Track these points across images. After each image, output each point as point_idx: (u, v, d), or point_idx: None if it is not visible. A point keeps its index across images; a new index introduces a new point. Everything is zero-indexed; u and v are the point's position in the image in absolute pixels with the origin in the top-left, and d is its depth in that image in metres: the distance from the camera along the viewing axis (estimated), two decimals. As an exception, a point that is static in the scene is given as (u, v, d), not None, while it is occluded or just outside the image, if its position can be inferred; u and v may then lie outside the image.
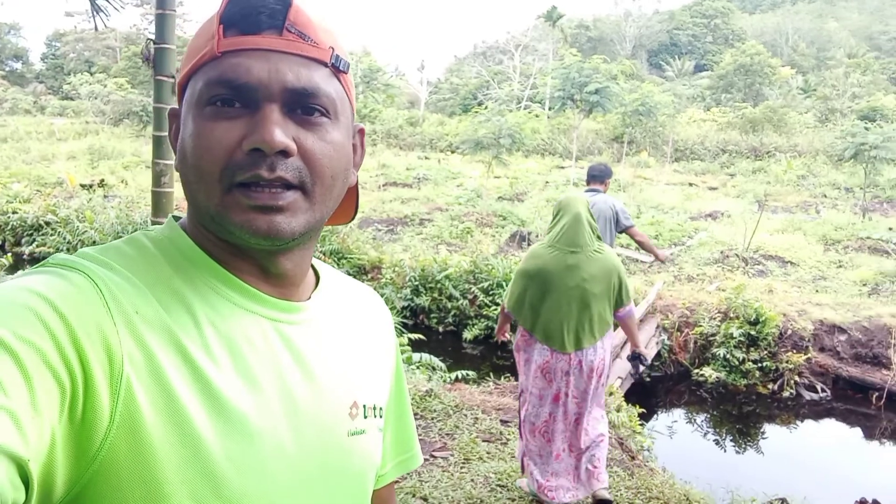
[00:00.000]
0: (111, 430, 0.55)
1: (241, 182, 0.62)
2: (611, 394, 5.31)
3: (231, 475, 0.59)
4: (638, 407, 5.35)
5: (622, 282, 3.35)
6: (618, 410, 5.00)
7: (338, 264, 8.77)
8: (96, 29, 6.05)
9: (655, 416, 6.81)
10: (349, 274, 8.80)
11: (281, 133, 0.61)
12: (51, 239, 11.55)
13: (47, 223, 12.09)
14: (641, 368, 3.76)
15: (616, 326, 3.60)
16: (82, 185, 15.60)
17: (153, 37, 4.85)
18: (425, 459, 3.88)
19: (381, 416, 0.78)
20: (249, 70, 0.62)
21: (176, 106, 0.69)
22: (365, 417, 0.74)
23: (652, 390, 7.18)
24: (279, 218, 0.63)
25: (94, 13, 5.64)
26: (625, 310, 3.40)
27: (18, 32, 52.92)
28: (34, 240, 11.95)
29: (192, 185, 0.64)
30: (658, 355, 7.33)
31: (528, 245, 10.61)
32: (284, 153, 0.62)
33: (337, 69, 0.67)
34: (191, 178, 0.64)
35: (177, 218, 0.70)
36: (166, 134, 5.01)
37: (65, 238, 11.33)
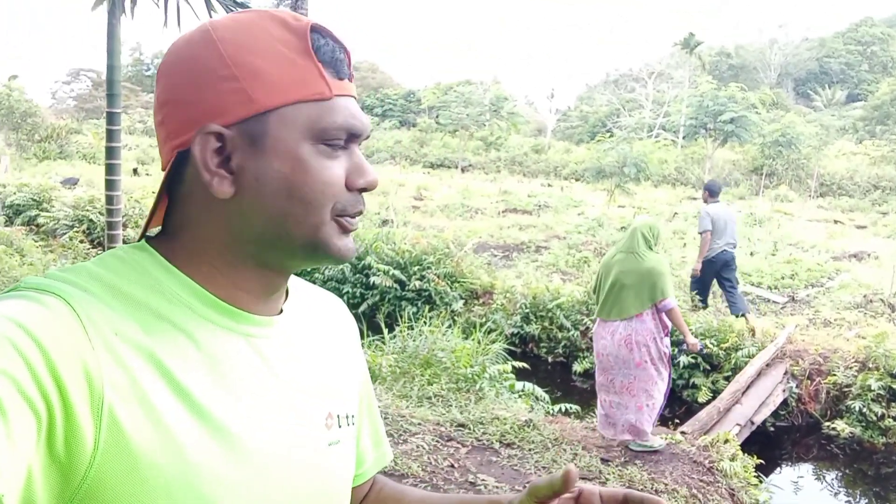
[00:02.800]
0: (96, 456, 0.55)
1: (346, 215, 0.68)
2: (726, 441, 4.98)
3: (220, 493, 0.60)
4: (756, 458, 4.97)
5: (655, 280, 4.44)
6: (732, 459, 4.68)
7: (450, 287, 8.87)
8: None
9: (778, 469, 6.30)
10: (461, 298, 8.91)
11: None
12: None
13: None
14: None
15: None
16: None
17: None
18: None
19: (353, 425, 0.79)
20: (359, 118, 0.68)
21: (216, 126, 0.63)
22: (340, 427, 0.75)
23: (776, 441, 6.65)
24: (352, 241, 0.71)
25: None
26: (661, 303, 4.46)
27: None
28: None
29: (292, 215, 0.65)
30: (784, 403, 6.79)
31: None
32: None
33: None
34: (291, 209, 0.65)
35: (148, 240, 0.69)
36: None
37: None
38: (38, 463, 0.52)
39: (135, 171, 21.09)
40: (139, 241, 0.69)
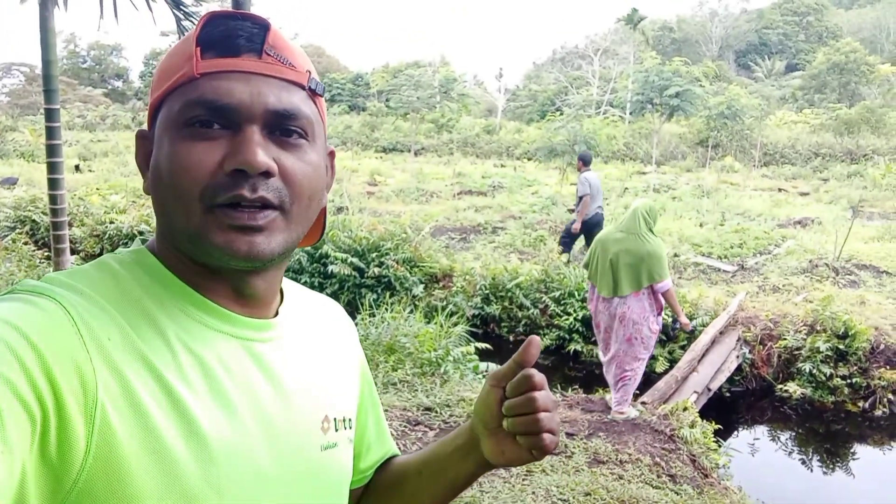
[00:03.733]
0: (87, 460, 0.54)
1: (222, 203, 0.62)
2: (685, 409, 5.13)
3: (211, 498, 0.60)
4: (714, 423, 5.14)
5: (654, 262, 4.66)
6: (691, 426, 4.82)
7: (410, 272, 8.86)
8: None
9: (735, 433, 6.52)
10: (420, 283, 8.91)
11: (264, 154, 0.62)
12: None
13: (140, 233, 12.74)
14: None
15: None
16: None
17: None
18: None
19: (350, 428, 0.78)
20: (230, 91, 0.62)
21: (145, 128, 0.69)
22: (336, 431, 0.75)
23: (732, 406, 6.88)
24: (259, 238, 0.63)
25: (179, 34, 5.96)
26: (657, 285, 4.70)
27: (120, 53, 56.27)
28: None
29: (168, 206, 0.64)
30: (739, 369, 7.02)
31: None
32: (266, 174, 0.62)
33: (313, 92, 0.68)
34: (167, 200, 0.64)
35: (144, 241, 0.70)
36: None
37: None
38: (32, 465, 0.52)
39: (76, 167, 20.43)
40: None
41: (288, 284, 0.78)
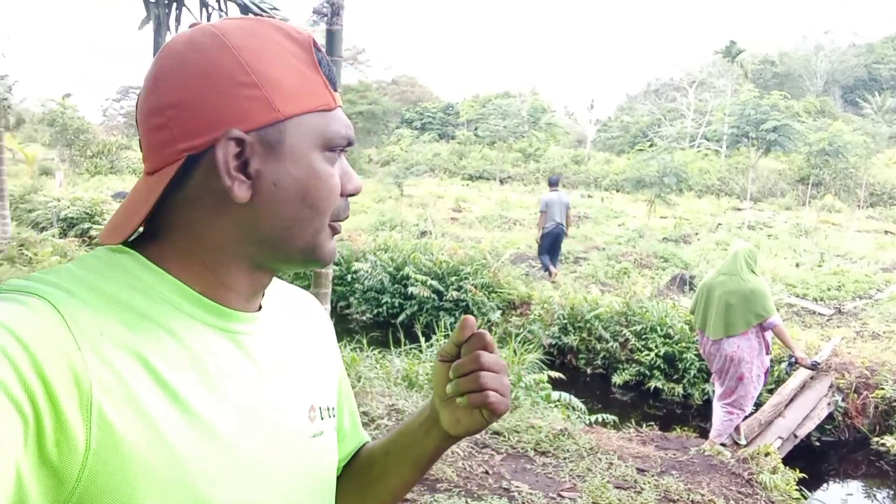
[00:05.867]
0: (88, 457, 0.55)
1: (339, 220, 0.72)
2: (767, 454, 4.88)
3: (209, 489, 0.61)
4: (798, 472, 4.86)
5: (759, 300, 4.80)
6: (773, 472, 4.58)
7: (488, 297, 8.88)
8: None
9: (825, 485, 6.13)
10: (498, 308, 8.91)
11: None
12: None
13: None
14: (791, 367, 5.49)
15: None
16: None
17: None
18: (552, 499, 3.81)
19: (333, 416, 0.81)
20: (351, 128, 0.72)
21: (240, 132, 0.64)
22: (322, 419, 0.77)
23: (822, 456, 6.48)
24: (335, 244, 0.74)
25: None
26: (766, 322, 4.84)
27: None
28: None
29: (300, 219, 0.68)
30: (830, 418, 6.62)
31: (691, 290, 10.09)
32: None
33: None
34: (301, 213, 0.68)
35: (125, 242, 0.67)
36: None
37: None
38: (30, 466, 0.52)
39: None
40: (117, 244, 0.67)
41: None
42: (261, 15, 5.88)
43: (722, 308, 4.88)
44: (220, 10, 5.94)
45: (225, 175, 0.64)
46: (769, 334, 5.02)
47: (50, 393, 0.53)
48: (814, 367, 5.75)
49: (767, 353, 5.05)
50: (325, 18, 5.18)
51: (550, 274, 10.73)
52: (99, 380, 0.56)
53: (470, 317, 0.75)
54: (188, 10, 4.19)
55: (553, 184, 11.19)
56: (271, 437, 0.68)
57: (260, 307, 0.75)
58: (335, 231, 0.72)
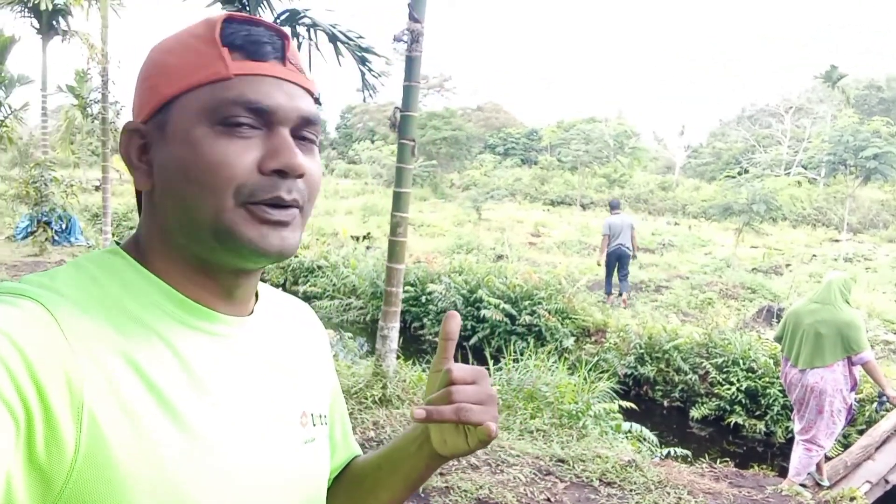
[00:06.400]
0: (77, 460, 0.55)
1: (258, 201, 0.64)
2: (852, 498, 4.60)
3: (198, 494, 0.60)
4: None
5: (851, 333, 4.61)
6: (858, 519, 4.31)
7: (561, 323, 8.78)
8: (364, 100, 7.00)
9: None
10: (572, 335, 8.79)
11: (302, 157, 0.66)
12: (321, 280, 13.06)
13: (319, 267, 13.71)
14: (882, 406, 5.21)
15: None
16: (353, 237, 17.58)
17: (400, 105, 5.49)
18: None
19: (325, 424, 0.80)
20: (269, 95, 0.64)
21: (136, 122, 0.68)
22: (314, 426, 0.76)
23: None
24: (286, 233, 0.66)
25: (364, 88, 6.55)
26: (855, 357, 4.64)
27: (320, 107, 61.89)
28: (308, 280, 13.63)
29: (192, 201, 0.64)
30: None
31: (779, 322, 9.63)
32: (299, 175, 0.66)
33: (318, 102, 0.73)
34: (190, 194, 0.64)
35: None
36: (406, 190, 5.59)
37: (332, 280, 12.73)
38: (19, 468, 0.52)
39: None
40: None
41: (261, 285, 0.79)
42: (347, 44, 6.15)
43: (811, 337, 4.71)
44: (311, 39, 6.25)
45: (128, 166, 0.68)
46: (857, 370, 4.77)
47: (42, 395, 0.53)
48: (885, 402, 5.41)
49: (852, 390, 4.82)
50: (405, 45, 5.36)
51: (609, 296, 10.77)
52: (90, 383, 0.56)
53: (455, 312, 0.75)
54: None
55: (614, 207, 11.34)
56: (262, 442, 0.68)
57: (252, 312, 0.74)
58: (258, 216, 0.64)
